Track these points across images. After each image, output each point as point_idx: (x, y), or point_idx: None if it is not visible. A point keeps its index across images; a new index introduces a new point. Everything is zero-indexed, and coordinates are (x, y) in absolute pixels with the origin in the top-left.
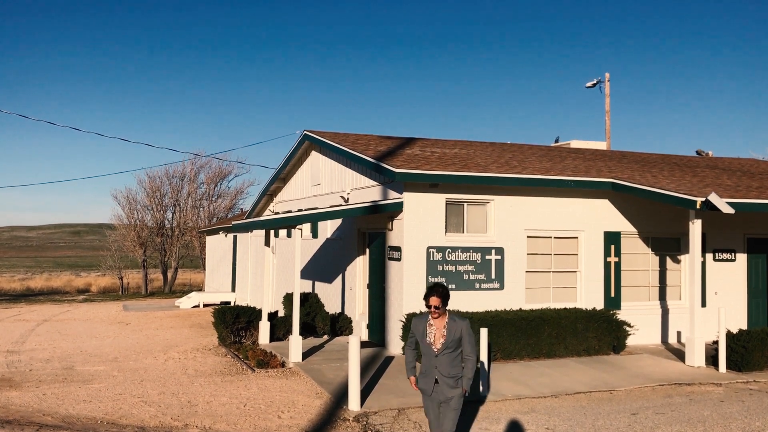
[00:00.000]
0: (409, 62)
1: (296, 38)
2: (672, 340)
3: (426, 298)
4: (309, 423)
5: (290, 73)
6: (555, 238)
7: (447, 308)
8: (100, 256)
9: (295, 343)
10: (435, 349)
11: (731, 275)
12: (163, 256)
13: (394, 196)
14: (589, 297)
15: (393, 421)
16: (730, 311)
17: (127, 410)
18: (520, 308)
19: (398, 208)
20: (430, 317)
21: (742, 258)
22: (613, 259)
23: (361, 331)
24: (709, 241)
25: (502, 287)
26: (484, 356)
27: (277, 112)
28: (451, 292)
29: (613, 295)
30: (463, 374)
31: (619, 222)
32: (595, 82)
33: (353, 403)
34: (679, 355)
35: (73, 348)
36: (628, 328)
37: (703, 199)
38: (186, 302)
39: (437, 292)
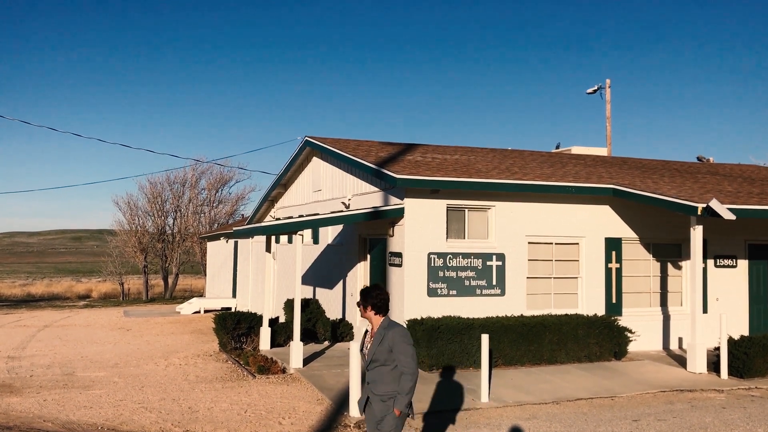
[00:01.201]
0: (409, 67)
1: (297, 43)
2: (673, 346)
3: None
4: (310, 429)
5: (292, 78)
6: (556, 244)
7: (384, 314)
8: (101, 261)
9: (296, 349)
10: (366, 360)
11: (732, 281)
12: (164, 261)
13: (395, 202)
14: (591, 303)
15: None
16: (732, 317)
17: (128, 416)
18: (522, 314)
19: (399, 214)
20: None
21: (743, 264)
22: (614, 265)
23: (362, 336)
24: (710, 248)
25: (503, 293)
26: (485, 362)
27: (279, 118)
28: (452, 298)
29: (614, 301)
30: (398, 391)
31: (620, 228)
32: (596, 88)
33: (354, 409)
34: (681, 361)
35: (74, 354)
36: (629, 334)
37: (704, 205)
38: (187, 308)
39: (361, 290)
